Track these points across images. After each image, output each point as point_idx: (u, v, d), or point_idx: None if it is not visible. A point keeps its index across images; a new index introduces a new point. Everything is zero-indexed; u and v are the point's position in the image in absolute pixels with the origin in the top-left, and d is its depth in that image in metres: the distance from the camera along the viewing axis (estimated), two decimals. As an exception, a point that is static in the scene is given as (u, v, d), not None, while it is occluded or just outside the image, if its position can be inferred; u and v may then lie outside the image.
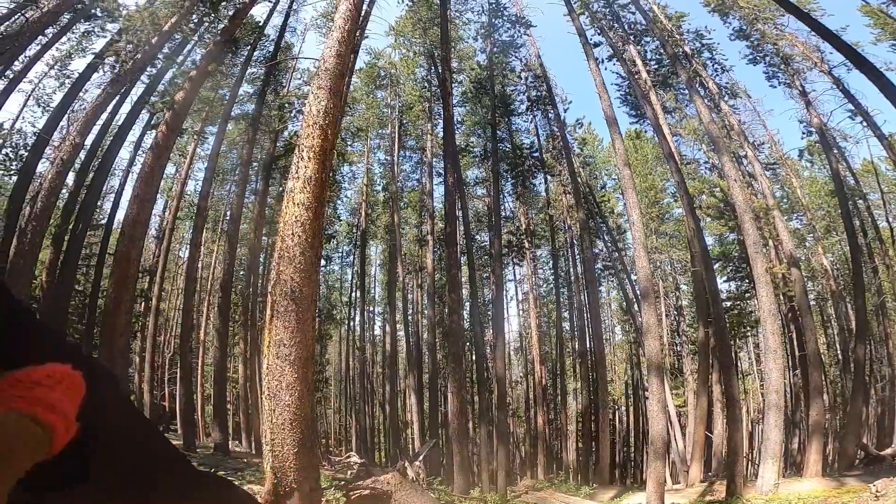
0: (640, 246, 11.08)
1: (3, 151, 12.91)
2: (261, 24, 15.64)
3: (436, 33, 16.57)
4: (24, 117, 17.01)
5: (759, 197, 16.67)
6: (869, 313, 16.16)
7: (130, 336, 17.51)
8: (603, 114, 12.62)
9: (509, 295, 28.95)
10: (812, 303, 19.77)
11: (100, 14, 12.46)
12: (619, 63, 16.25)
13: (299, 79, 21.50)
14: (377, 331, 32.40)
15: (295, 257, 4.93)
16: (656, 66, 17.60)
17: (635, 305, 20.68)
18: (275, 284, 4.93)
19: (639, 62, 16.80)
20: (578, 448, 24.33)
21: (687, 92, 15.12)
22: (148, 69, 13.39)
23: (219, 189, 24.75)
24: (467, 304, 23.80)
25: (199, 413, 22.22)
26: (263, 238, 19.10)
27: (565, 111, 25.71)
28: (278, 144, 17.91)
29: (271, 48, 16.55)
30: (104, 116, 13.38)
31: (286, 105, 16.49)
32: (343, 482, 6.26)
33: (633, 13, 16.95)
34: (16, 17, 8.85)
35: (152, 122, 15.01)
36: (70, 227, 13.31)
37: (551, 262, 24.83)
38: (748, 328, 21.16)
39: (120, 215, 14.95)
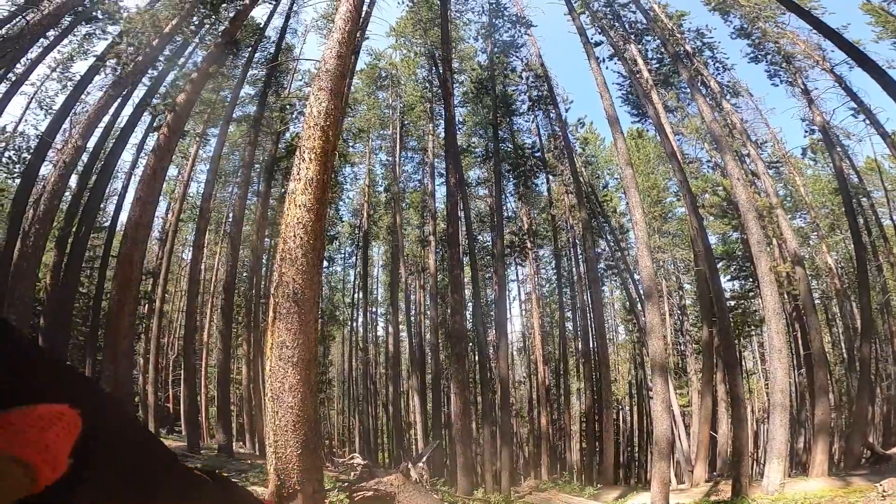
0: (643, 245, 11.04)
1: (7, 154, 12.96)
2: (261, 25, 15.67)
3: (436, 34, 16.57)
4: (26, 120, 17.14)
5: (763, 195, 16.60)
6: (874, 311, 16.08)
7: (134, 338, 17.56)
8: (604, 113, 12.60)
9: (512, 295, 28.95)
10: (817, 301, 19.68)
11: (100, 16, 12.50)
12: (620, 62, 16.22)
13: (300, 80, 21.55)
14: (380, 332, 32.42)
15: (297, 259, 4.93)
16: (657, 65, 17.55)
17: (638, 305, 20.63)
18: (277, 286, 4.92)
19: (640, 61, 16.76)
20: (582, 448, 24.25)
21: (688, 91, 15.07)
22: (149, 71, 13.42)
23: (221, 191, 24.81)
24: (470, 304, 23.76)
25: (204, 415, 22.28)
26: (266, 240, 19.13)
27: (567, 111, 25.72)
28: (280, 146, 17.94)
29: (272, 50, 16.59)
30: (106, 119, 13.42)
31: (287, 106, 16.51)
32: (346, 483, 6.25)
33: (634, 12, 16.92)
34: (17, 19, 8.88)
35: (154, 124, 15.08)
36: (73, 229, 13.35)
37: (554, 261, 24.79)
38: (752, 327, 21.09)
39: (123, 217, 15.02)
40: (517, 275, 28.79)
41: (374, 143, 26.15)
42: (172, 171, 23.18)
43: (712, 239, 19.17)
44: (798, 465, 17.76)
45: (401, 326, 25.02)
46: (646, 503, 10.44)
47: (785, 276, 16.95)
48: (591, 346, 21.22)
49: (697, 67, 16.29)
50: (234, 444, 15.52)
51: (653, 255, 16.84)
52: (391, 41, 21.88)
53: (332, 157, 5.51)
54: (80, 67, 16.82)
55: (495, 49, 19.50)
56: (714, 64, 17.14)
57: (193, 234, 18.68)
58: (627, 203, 13.07)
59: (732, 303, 19.92)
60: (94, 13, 12.40)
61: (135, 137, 16.93)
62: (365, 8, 13.77)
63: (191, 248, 19.62)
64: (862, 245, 14.55)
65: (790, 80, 15.99)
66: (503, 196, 20.08)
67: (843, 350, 21.25)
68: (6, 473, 0.28)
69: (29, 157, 11.97)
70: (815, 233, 20.97)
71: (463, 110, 21.68)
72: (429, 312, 22.62)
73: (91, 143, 13.05)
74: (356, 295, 27.79)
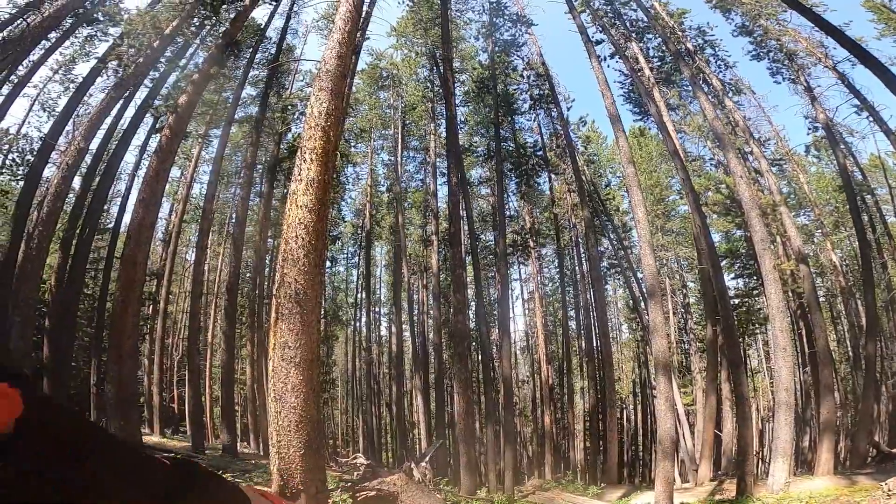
0: (646, 243, 11.01)
1: (10, 157, 13.03)
2: (262, 26, 15.69)
3: (437, 33, 16.56)
4: (29, 122, 17.22)
5: (766, 193, 16.52)
6: (879, 309, 15.99)
7: (139, 339, 17.63)
8: (606, 111, 12.56)
9: (515, 294, 28.92)
10: (821, 299, 19.58)
11: (101, 18, 12.54)
12: (621, 60, 16.18)
13: (302, 81, 21.60)
14: (383, 331, 32.46)
15: (299, 259, 4.93)
16: (659, 63, 17.49)
17: (642, 303, 20.57)
18: (279, 287, 4.93)
19: (641, 59, 16.70)
20: (586, 447, 24.22)
21: (690, 89, 15.01)
22: (151, 73, 13.48)
23: (224, 192, 24.89)
24: (472, 303, 23.78)
25: (208, 415, 22.36)
26: (269, 240, 19.18)
27: (568, 109, 25.62)
28: (282, 147, 17.97)
29: (273, 51, 16.61)
30: (109, 121, 13.48)
31: (289, 107, 16.54)
32: (349, 483, 6.25)
33: (635, 10, 16.87)
34: (18, 22, 8.92)
35: (157, 125, 15.12)
36: (77, 231, 13.42)
37: (556, 260, 24.76)
38: (757, 325, 21.00)
39: (127, 219, 15.04)
40: (520, 274, 28.78)
41: (376, 143, 26.17)
42: (175, 172, 23.30)
43: (715, 237, 19.12)
44: (804, 463, 17.68)
45: (404, 326, 25.04)
46: (650, 502, 10.41)
47: (789, 274, 16.85)
48: (594, 344, 21.17)
49: (699, 65, 16.23)
50: (238, 444, 15.56)
51: (656, 253, 16.78)
52: (392, 41, 21.90)
53: (333, 157, 5.51)
54: (83, 69, 16.85)
55: (496, 48, 19.47)
56: (716, 62, 17.08)
57: (197, 236, 18.73)
58: (630, 201, 13.03)
59: (736, 301, 19.84)
60: (94, 15, 12.45)
61: (137, 139, 17.02)
62: (365, 8, 13.77)
63: (194, 250, 19.68)
64: (866, 242, 14.46)
65: (792, 77, 15.92)
66: (505, 195, 20.05)
67: (849, 348, 21.12)
68: None
69: (32, 159, 12.03)
70: (820, 230, 20.86)
71: (464, 109, 21.68)
72: (432, 312, 22.64)
73: (94, 145, 13.11)
74: (359, 295, 27.84)
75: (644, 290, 16.13)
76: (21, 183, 12.56)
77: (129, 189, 18.12)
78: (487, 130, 20.41)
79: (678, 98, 17.76)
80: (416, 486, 5.91)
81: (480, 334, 17.22)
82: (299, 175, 5.19)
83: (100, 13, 12.27)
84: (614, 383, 17.40)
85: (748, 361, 25.33)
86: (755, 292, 19.78)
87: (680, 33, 16.16)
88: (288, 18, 17.26)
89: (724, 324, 13.09)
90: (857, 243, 15.62)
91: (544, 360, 22.30)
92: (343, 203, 24.93)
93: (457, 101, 18.17)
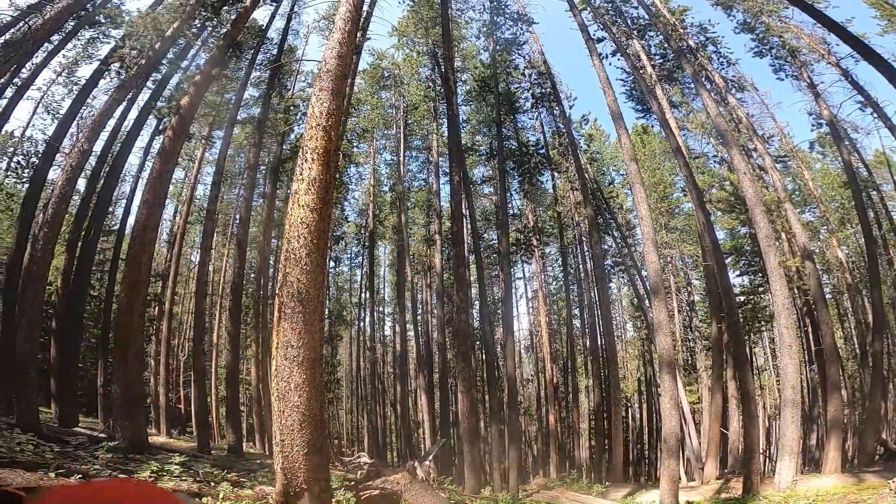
0: (650, 241, 10.97)
1: (15, 159, 13.13)
2: (263, 27, 15.72)
3: (438, 33, 16.55)
4: (34, 125, 17.34)
5: (770, 190, 16.44)
6: (886, 306, 15.88)
7: (145, 340, 17.74)
8: (608, 109, 12.52)
9: (518, 293, 28.86)
10: (828, 296, 19.44)
11: (103, 20, 12.61)
12: (623, 58, 16.11)
13: (303, 81, 21.64)
14: (387, 331, 32.52)
15: (301, 259, 4.94)
16: (661, 61, 17.43)
17: (646, 301, 20.50)
18: (282, 286, 4.94)
19: (643, 57, 16.64)
20: (591, 446, 24.18)
21: (693, 86, 14.95)
22: (153, 75, 13.55)
23: (228, 193, 24.99)
24: (476, 302, 23.77)
25: (214, 415, 22.46)
26: (273, 241, 19.23)
27: (570, 107, 25.60)
28: (285, 147, 18.02)
29: (274, 52, 16.64)
30: (112, 122, 13.55)
31: (291, 108, 16.57)
32: (353, 482, 6.26)
33: (636, 8, 16.81)
34: (20, 24, 8.98)
35: (160, 127, 15.20)
36: (83, 233, 13.50)
37: (560, 259, 24.71)
38: (763, 323, 20.88)
39: (132, 220, 15.14)
40: (523, 272, 28.74)
41: (379, 142, 26.19)
42: (179, 174, 23.42)
43: (720, 234, 19.03)
44: (811, 461, 17.58)
45: (408, 325, 25.08)
46: (655, 501, 10.38)
47: (795, 271, 16.76)
48: (598, 343, 21.13)
49: (701, 62, 16.17)
50: (244, 444, 15.63)
51: (660, 250, 16.73)
52: (393, 41, 21.93)
53: (334, 156, 5.52)
54: (86, 72, 17.00)
55: (497, 47, 19.44)
56: (718, 59, 17.01)
57: (201, 237, 18.83)
58: (633, 199, 12.98)
59: (741, 298, 19.74)
60: (96, 17, 12.52)
61: (141, 141, 17.11)
62: (365, 8, 13.78)
63: (199, 251, 19.76)
64: (872, 239, 14.36)
65: (796, 74, 15.84)
66: (508, 194, 20.02)
67: (856, 345, 20.98)
68: None
69: (37, 161, 12.12)
70: (825, 227, 20.72)
71: (466, 108, 21.66)
72: (435, 311, 22.63)
73: (98, 147, 13.18)
74: (363, 295, 27.90)
75: (648, 287, 16.09)
76: (26, 186, 12.66)
77: (133, 191, 18.21)
78: (489, 129, 20.38)
79: (681, 95, 17.69)
80: (420, 484, 5.92)
81: (484, 333, 17.21)
82: (301, 175, 5.19)
83: (101, 15, 12.34)
84: (619, 382, 17.34)
85: (754, 359, 25.21)
86: (760, 289, 19.66)
87: (681, 31, 16.09)
88: (289, 19, 17.29)
89: (729, 321, 13.03)
90: (862, 240, 15.50)
91: (548, 358, 22.26)
92: (346, 203, 25.00)
93: (459, 101, 18.18)
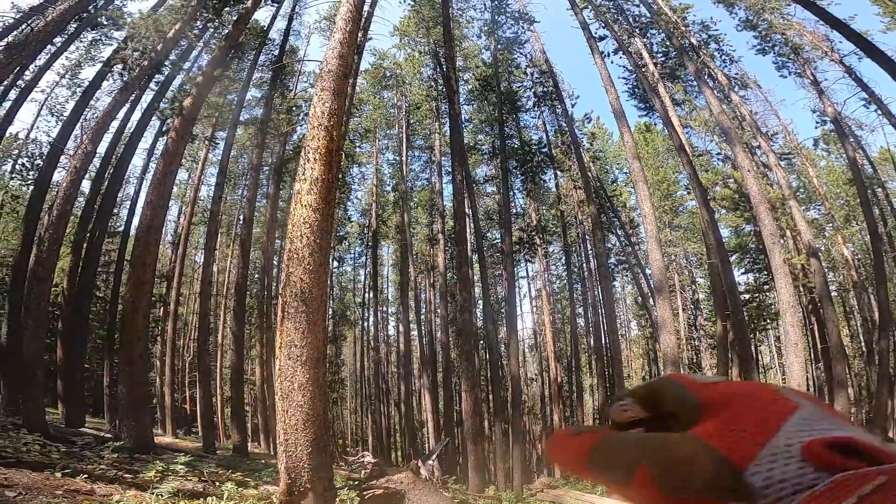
0: (653, 239, 10.94)
1: (20, 161, 13.21)
2: (265, 28, 15.75)
3: (439, 32, 16.55)
4: (38, 127, 17.47)
5: (775, 187, 16.36)
6: (892, 303, 15.73)
7: (150, 340, 17.82)
8: (610, 107, 12.49)
9: (522, 292, 28.83)
10: (833, 294, 19.33)
11: (105, 22, 12.65)
12: (625, 56, 16.07)
13: (305, 82, 21.69)
14: (391, 331, 32.55)
15: (304, 259, 4.95)
16: (663, 59, 17.37)
17: (650, 300, 20.43)
18: (285, 286, 4.96)
19: (645, 55, 16.59)
20: (596, 445, 24.07)
21: (696, 84, 14.89)
22: (156, 76, 13.59)
23: (231, 194, 25.08)
24: (480, 302, 23.75)
25: (219, 415, 22.56)
26: (276, 241, 19.29)
27: (573, 106, 25.55)
28: (287, 147, 18.06)
29: (276, 52, 16.68)
30: (116, 124, 13.61)
31: (294, 108, 16.60)
32: (357, 482, 6.28)
33: (637, 5, 16.75)
34: (23, 27, 9.03)
35: (163, 128, 15.26)
36: (88, 234, 13.57)
37: (563, 257, 24.66)
38: (768, 321, 20.78)
39: (136, 222, 15.21)
40: (527, 271, 28.72)
41: (381, 142, 26.23)
42: (183, 175, 23.53)
43: (724, 232, 18.94)
44: (817, 460, 17.45)
45: (411, 325, 25.08)
46: (660, 499, 10.34)
47: (800, 269, 16.67)
48: (602, 342, 21.07)
49: (704, 60, 16.10)
50: (248, 443, 15.68)
51: (664, 248, 16.66)
52: (395, 41, 21.95)
53: (336, 156, 5.53)
54: (89, 73, 17.09)
55: (499, 46, 19.42)
56: (720, 56, 16.94)
57: (205, 237, 18.91)
58: (636, 197, 12.95)
59: (746, 296, 19.66)
60: (98, 18, 12.56)
61: (144, 142, 17.17)
62: (366, 8, 13.80)
63: (203, 251, 19.86)
64: (878, 236, 14.26)
65: (799, 71, 15.76)
66: (511, 193, 20.00)
67: (862, 343, 20.84)
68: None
69: (42, 163, 12.18)
70: (830, 224, 20.60)
71: (469, 108, 21.65)
72: (439, 311, 22.65)
73: (102, 149, 13.23)
74: (367, 295, 27.92)
75: (652, 285, 16.04)
76: (31, 187, 12.74)
77: (137, 192, 18.33)
78: (492, 128, 20.36)
79: (683, 93, 17.62)
80: (423, 484, 5.92)
81: (487, 332, 17.21)
82: (304, 175, 5.21)
83: (103, 17, 12.38)
84: (624, 380, 17.30)
85: (760, 357, 25.10)
86: (766, 287, 19.58)
87: (683, 28, 16.03)
88: (290, 20, 17.32)
89: (734, 319, 12.97)
90: (868, 237, 15.40)
91: (552, 357, 22.23)
92: (349, 203, 25.05)
93: (461, 100, 18.17)
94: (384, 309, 30.66)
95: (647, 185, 11.71)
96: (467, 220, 15.99)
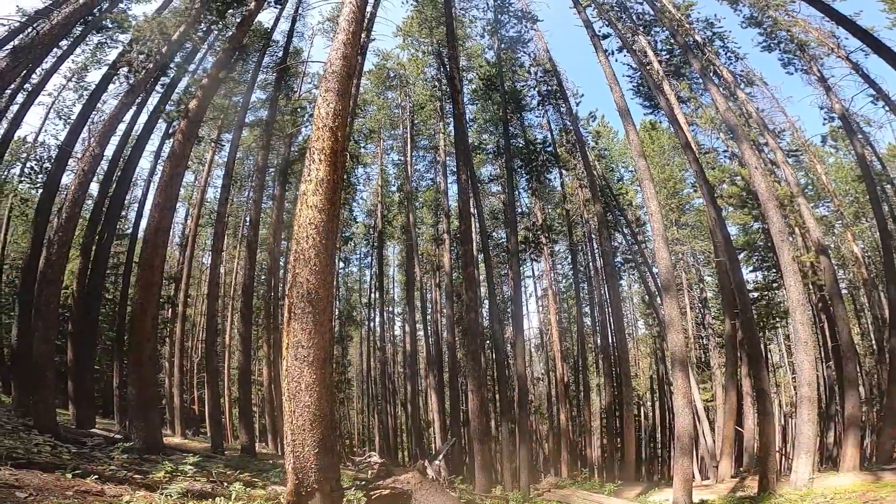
0: (660, 237, 10.85)
1: (29, 165, 13.34)
2: (268, 30, 15.80)
3: (442, 32, 16.53)
4: (46, 130, 17.64)
5: (783, 184, 16.20)
6: (903, 301, 15.51)
7: (159, 342, 17.96)
8: (615, 106, 12.42)
9: (528, 291, 28.73)
10: (843, 291, 19.11)
11: (110, 25, 12.76)
12: (629, 54, 15.97)
13: (310, 83, 21.77)
14: (397, 331, 32.59)
15: (310, 259, 4.96)
16: (668, 56, 17.25)
17: (657, 298, 20.31)
18: (291, 287, 4.96)
19: (650, 53, 16.48)
20: (603, 445, 24.01)
21: (701, 81, 14.77)
22: (162, 79, 13.69)
23: (237, 195, 25.22)
24: (486, 301, 23.72)
25: (227, 416, 22.69)
26: (282, 242, 19.36)
27: (577, 105, 25.41)
28: (293, 149, 18.13)
29: (280, 54, 16.74)
30: (123, 127, 13.71)
31: (298, 109, 16.65)
32: (363, 482, 6.28)
33: (640, 3, 16.63)
34: (28, 30, 9.12)
35: (169, 130, 15.37)
36: (96, 237, 13.69)
37: (570, 256, 24.57)
38: (777, 319, 20.59)
39: (144, 224, 15.32)
40: (533, 271, 28.62)
41: (386, 143, 26.25)
42: (189, 177, 23.68)
43: (732, 229, 18.79)
44: (828, 459, 17.30)
45: (417, 325, 25.10)
46: (668, 499, 10.28)
47: (809, 266, 16.50)
48: (609, 341, 20.98)
49: (709, 57, 15.98)
50: (256, 444, 15.76)
51: (670, 247, 16.56)
52: (398, 41, 21.94)
53: (341, 157, 5.53)
54: (95, 76, 17.26)
55: (502, 45, 19.38)
56: (726, 53, 16.79)
57: (212, 239, 19.03)
58: (642, 195, 12.86)
59: (755, 294, 19.49)
60: (103, 21, 12.66)
61: (151, 144, 17.29)
62: (369, 9, 13.81)
63: (210, 253, 19.98)
64: (888, 233, 14.07)
65: (805, 68, 15.60)
66: (516, 192, 19.96)
67: (873, 341, 20.59)
68: None
69: (50, 166, 12.30)
70: (840, 221, 20.37)
71: (473, 107, 21.61)
72: (445, 310, 22.65)
73: (109, 152, 13.35)
74: (373, 295, 27.97)
75: (659, 284, 15.93)
76: (40, 190, 12.86)
77: (145, 195, 18.43)
78: (496, 128, 20.32)
79: (689, 91, 17.50)
80: (430, 484, 5.92)
81: (494, 332, 17.18)
82: (309, 176, 5.21)
83: (108, 20, 12.48)
84: (631, 380, 17.20)
85: (769, 356, 24.87)
86: (775, 285, 19.39)
87: (687, 26, 15.91)
88: (293, 21, 17.37)
89: (742, 318, 12.85)
90: (878, 234, 15.20)
91: (559, 357, 22.16)
92: (354, 204, 25.09)
93: (464, 99, 18.13)
94: (390, 309, 30.70)
95: (653, 183, 11.61)
96: (472, 219, 15.98)
